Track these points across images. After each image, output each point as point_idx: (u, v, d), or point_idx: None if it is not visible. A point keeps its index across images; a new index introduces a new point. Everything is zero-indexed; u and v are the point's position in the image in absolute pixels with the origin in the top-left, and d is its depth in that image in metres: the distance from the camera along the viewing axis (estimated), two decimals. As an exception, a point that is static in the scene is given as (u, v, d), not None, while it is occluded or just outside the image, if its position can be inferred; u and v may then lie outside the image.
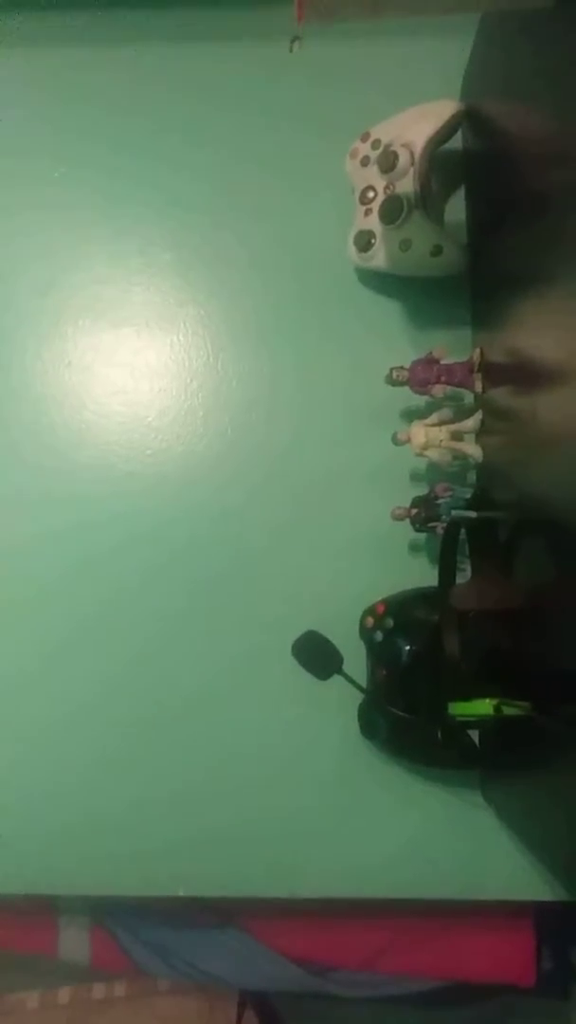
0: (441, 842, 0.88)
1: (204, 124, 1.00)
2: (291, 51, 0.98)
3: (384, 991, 1.15)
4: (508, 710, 0.66)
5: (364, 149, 0.90)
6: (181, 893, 0.91)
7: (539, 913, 1.10)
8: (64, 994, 1.28)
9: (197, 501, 0.95)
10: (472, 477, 0.90)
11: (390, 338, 0.93)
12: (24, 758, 0.93)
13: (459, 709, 0.70)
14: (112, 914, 1.17)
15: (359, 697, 0.84)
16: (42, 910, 1.18)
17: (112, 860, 0.92)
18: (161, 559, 0.94)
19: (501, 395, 0.80)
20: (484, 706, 0.67)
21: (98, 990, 1.28)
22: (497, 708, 0.66)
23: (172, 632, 0.93)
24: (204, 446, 0.96)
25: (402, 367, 0.85)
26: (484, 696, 0.67)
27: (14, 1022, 1.27)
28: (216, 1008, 1.25)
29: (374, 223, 0.88)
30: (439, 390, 0.85)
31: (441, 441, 0.84)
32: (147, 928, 1.16)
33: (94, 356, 0.98)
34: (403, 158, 0.84)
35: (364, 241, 0.90)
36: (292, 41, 0.98)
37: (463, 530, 0.79)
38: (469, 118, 0.87)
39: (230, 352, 0.97)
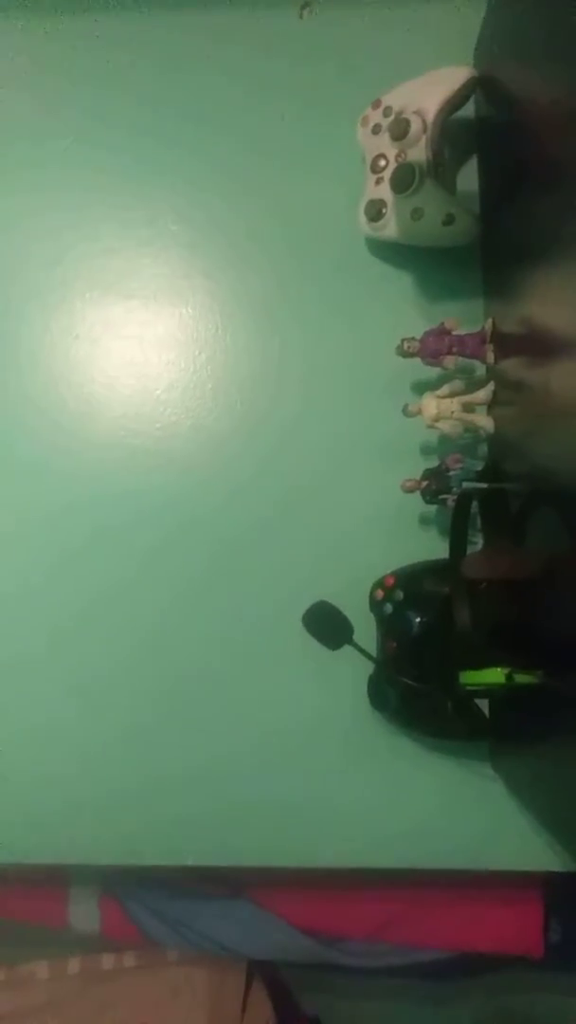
0: (450, 813, 0.88)
1: (213, 94, 0.98)
2: (301, 18, 0.96)
3: (392, 961, 1.17)
4: (520, 678, 0.66)
5: (375, 116, 0.88)
6: (190, 863, 0.92)
7: (548, 884, 1.11)
8: (74, 964, 1.30)
9: (206, 474, 0.94)
10: (483, 449, 0.90)
11: (401, 309, 0.92)
12: (34, 730, 0.94)
13: (470, 678, 0.71)
14: (122, 884, 1.18)
15: (369, 668, 0.84)
16: (52, 880, 1.19)
17: (122, 830, 0.92)
18: (170, 533, 0.94)
19: (513, 366, 0.79)
20: (495, 674, 0.67)
21: (108, 960, 1.30)
22: (508, 676, 0.66)
23: (183, 605, 0.93)
24: (213, 419, 0.95)
25: (413, 338, 0.85)
26: (495, 664, 0.67)
27: (25, 992, 1.29)
28: (225, 978, 1.26)
29: (385, 192, 0.87)
30: (451, 361, 0.84)
31: (452, 413, 0.84)
32: (157, 898, 1.18)
33: (102, 329, 0.98)
34: (415, 125, 0.83)
35: (375, 210, 0.89)
36: (302, 8, 0.97)
37: (474, 502, 0.79)
38: (482, 85, 0.85)
39: (239, 324, 0.96)
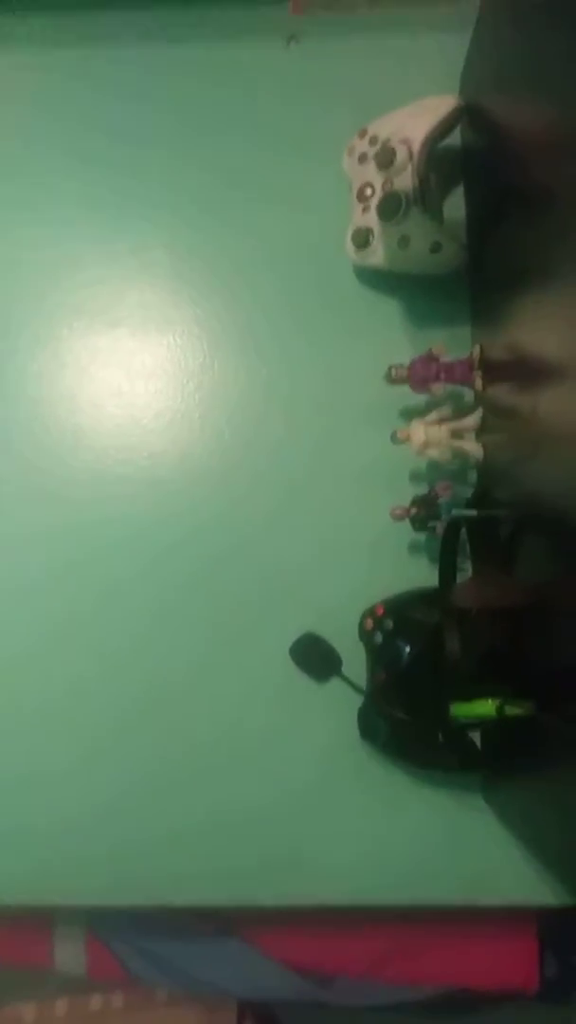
0: (443, 847, 0.87)
1: (198, 124, 0.99)
2: (287, 48, 0.97)
3: (386, 999, 1.14)
4: (510, 710, 0.64)
5: (362, 146, 0.89)
6: (177, 902, 0.90)
7: (543, 918, 1.09)
8: (61, 1005, 1.26)
9: (194, 503, 0.94)
10: (473, 476, 0.89)
11: (389, 336, 0.93)
12: (10, 768, 0.92)
13: (461, 710, 0.69)
14: (108, 924, 1.15)
15: (358, 699, 0.83)
16: (37, 921, 1.16)
17: (107, 871, 0.90)
18: (157, 561, 0.93)
19: (501, 392, 0.79)
20: (486, 706, 0.66)
21: (96, 1001, 1.27)
22: (499, 708, 0.65)
23: (168, 635, 0.92)
24: (201, 447, 0.94)
25: (401, 365, 0.84)
26: (486, 696, 0.66)
27: (11, 1034, 1.26)
28: (215, 1018, 1.23)
29: (372, 220, 0.87)
30: (439, 388, 0.84)
31: (441, 440, 0.83)
32: (144, 938, 1.15)
33: (89, 357, 0.97)
34: (401, 154, 0.83)
35: (362, 238, 0.89)
36: (288, 39, 0.98)
37: (463, 529, 0.78)
38: (468, 114, 0.86)
39: (227, 352, 0.96)
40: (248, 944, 1.12)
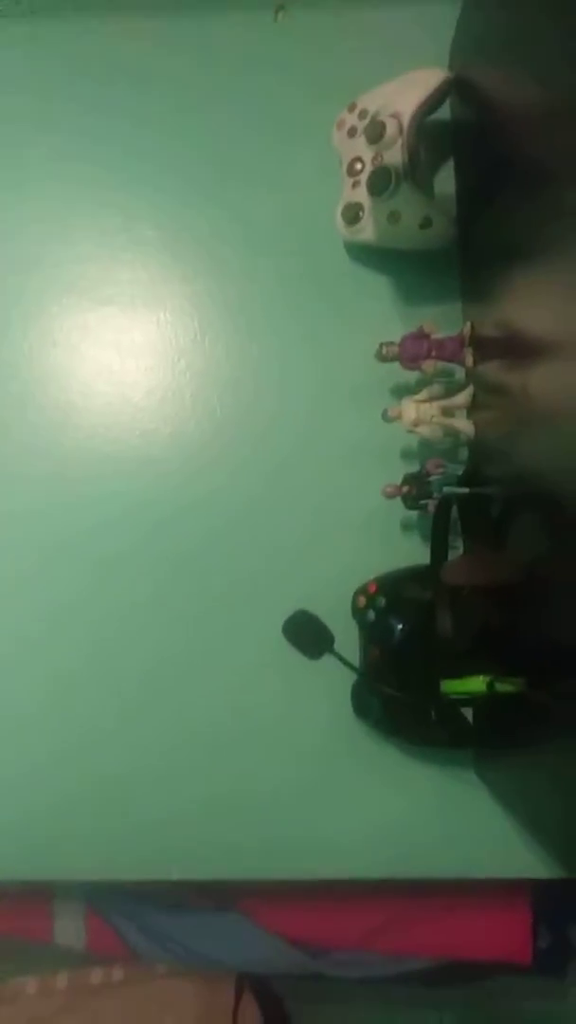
0: (436, 821, 0.87)
1: (188, 98, 0.97)
2: (276, 20, 0.96)
3: (381, 971, 1.15)
4: (501, 686, 0.65)
5: (351, 119, 0.88)
6: (175, 876, 0.91)
7: (536, 891, 1.10)
8: (62, 979, 1.28)
9: (185, 481, 0.93)
10: (464, 453, 0.89)
11: (379, 313, 0.92)
12: (9, 743, 0.92)
13: (452, 687, 0.70)
14: (107, 898, 1.17)
15: (352, 676, 0.84)
16: (36, 896, 1.18)
17: (105, 844, 0.91)
18: (149, 539, 0.93)
19: (492, 369, 0.78)
20: (477, 683, 0.66)
21: (96, 975, 1.28)
22: (490, 685, 0.65)
23: (160, 612, 0.92)
24: (192, 425, 0.94)
25: (392, 342, 0.84)
26: (477, 673, 0.67)
27: (13, 1008, 1.27)
28: (214, 991, 1.25)
29: (362, 195, 0.87)
30: (429, 365, 0.83)
31: (432, 417, 0.83)
32: (142, 912, 1.16)
33: (80, 335, 0.97)
34: (391, 128, 0.82)
35: (352, 214, 0.88)
36: (276, 11, 0.96)
37: (455, 507, 0.78)
38: (457, 87, 0.85)
39: (217, 330, 0.95)
40: (245, 918, 1.13)
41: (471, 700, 0.74)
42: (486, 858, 0.87)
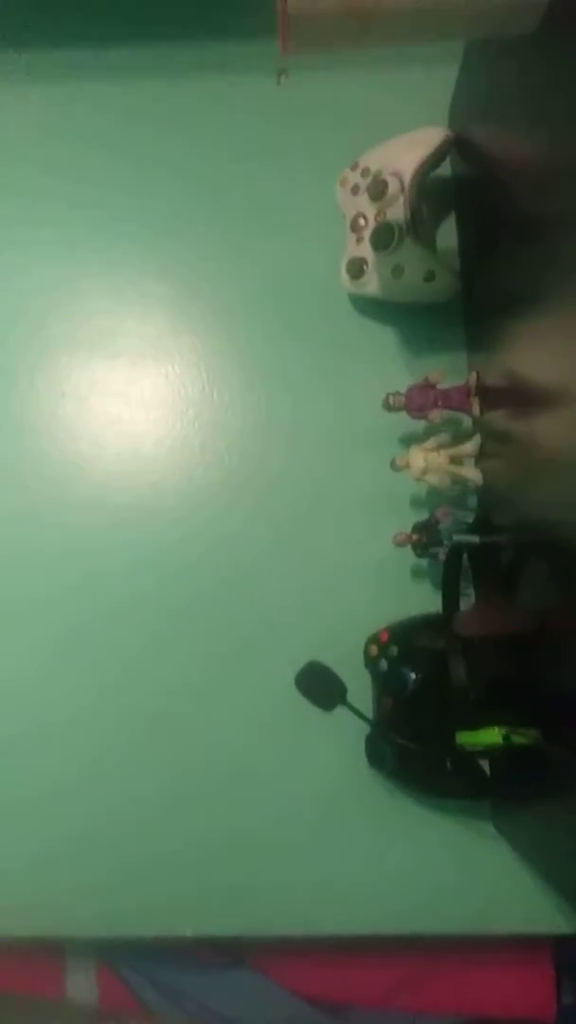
0: (454, 874, 0.86)
1: (193, 158, 1.00)
2: (278, 83, 0.99)
3: (400, 1029, 1.12)
4: (517, 739, 0.64)
5: (354, 177, 0.90)
6: (189, 934, 0.89)
7: (558, 946, 1.07)
8: (72, 1037, 1.25)
9: (195, 530, 0.94)
10: (473, 501, 0.89)
11: (385, 364, 0.93)
12: (31, 803, 0.91)
13: (467, 739, 0.69)
14: (120, 954, 1.15)
15: (365, 726, 0.83)
16: (49, 951, 1.16)
17: (119, 902, 0.90)
18: (159, 589, 0.93)
19: (499, 418, 0.79)
20: (492, 735, 0.66)
21: (107, 1033, 1.25)
22: (506, 737, 0.65)
23: (170, 663, 0.92)
24: (201, 475, 0.95)
25: (398, 392, 0.85)
26: (492, 724, 0.66)
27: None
28: (228, 1049, 1.21)
29: (366, 250, 0.88)
30: (436, 414, 0.84)
31: (440, 465, 0.83)
32: (156, 969, 1.14)
33: (89, 387, 0.98)
34: (393, 186, 0.84)
35: (356, 268, 0.90)
36: (279, 74, 0.99)
37: (465, 555, 0.78)
38: (457, 144, 0.87)
39: (226, 381, 0.96)
40: (260, 974, 1.11)
41: (487, 751, 0.73)
42: (506, 912, 0.86)
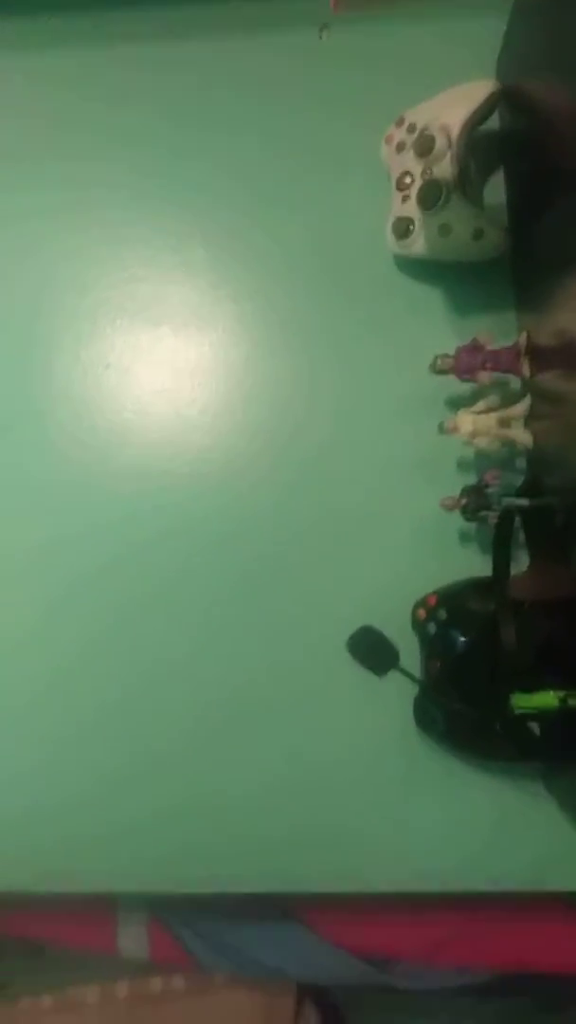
0: (504, 834, 0.87)
1: (236, 117, 0.99)
2: (320, 39, 0.97)
3: (445, 983, 1.15)
4: (573, 702, 0.64)
5: (399, 134, 0.88)
6: (237, 890, 0.91)
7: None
8: (123, 987, 1.29)
9: (241, 497, 0.94)
10: (521, 463, 0.88)
11: (433, 325, 0.92)
12: (78, 757, 0.94)
13: (521, 702, 0.69)
14: (170, 909, 1.18)
15: (413, 689, 0.83)
16: (101, 906, 1.19)
17: (169, 857, 0.92)
18: (207, 555, 0.94)
19: (549, 379, 0.78)
20: (548, 698, 0.66)
21: (156, 984, 1.29)
22: (563, 700, 0.65)
23: (221, 630, 0.93)
24: (246, 442, 0.95)
25: (447, 354, 0.84)
26: (547, 688, 0.66)
27: (75, 1016, 1.29)
28: (275, 1001, 1.25)
29: (412, 209, 0.87)
30: (485, 376, 0.83)
31: (489, 428, 0.83)
32: (205, 923, 1.17)
33: (132, 356, 0.98)
34: (440, 141, 0.82)
35: (403, 228, 0.88)
36: (321, 29, 0.97)
37: (517, 518, 0.78)
38: (506, 97, 0.85)
39: (270, 347, 0.96)
40: (308, 928, 1.13)
41: (540, 715, 0.73)
42: (554, 870, 0.87)
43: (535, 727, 0.78)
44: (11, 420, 0.99)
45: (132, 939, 1.21)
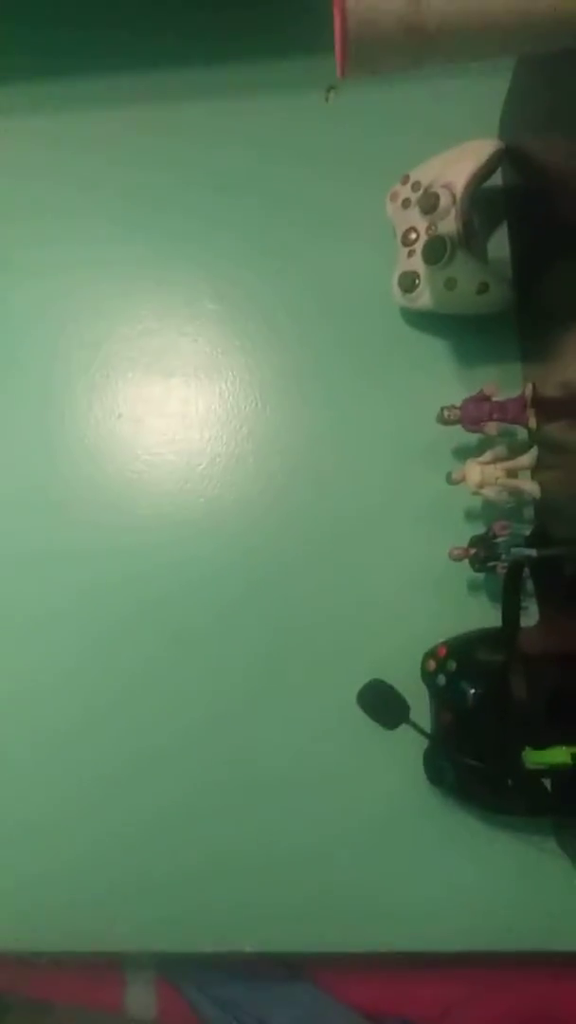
0: (516, 891, 0.85)
1: (244, 176, 1.01)
2: (327, 100, 0.99)
3: (460, 1045, 1.11)
4: (586, 758, 0.63)
5: (404, 191, 0.90)
6: (248, 949, 0.89)
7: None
8: (131, 1049, 1.26)
9: (252, 547, 0.95)
10: (529, 514, 0.88)
11: (439, 377, 0.93)
12: (86, 816, 0.93)
13: (533, 758, 0.68)
14: (179, 968, 1.15)
15: (424, 742, 0.82)
16: (108, 964, 1.17)
17: (179, 916, 0.91)
18: (218, 607, 0.94)
19: (556, 430, 0.78)
20: (561, 754, 0.65)
21: (165, 1044, 1.26)
22: (575, 757, 0.64)
23: (230, 681, 0.93)
24: (257, 492, 0.96)
25: (453, 406, 0.85)
26: (559, 743, 0.65)
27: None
28: (286, 1063, 1.21)
29: (418, 264, 0.88)
30: (492, 427, 0.84)
31: (497, 479, 0.83)
32: (214, 982, 1.14)
33: (144, 407, 1.00)
34: (444, 198, 0.84)
35: (409, 282, 0.90)
36: (327, 91, 1.00)
37: (526, 569, 0.78)
38: (508, 154, 0.87)
39: (279, 397, 0.97)
40: (320, 988, 1.10)
41: (552, 771, 0.72)
42: (566, 928, 0.85)
43: (547, 783, 0.77)
44: (26, 469, 1.00)
45: (139, 998, 1.18)
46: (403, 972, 1.07)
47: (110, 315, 1.02)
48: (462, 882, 0.86)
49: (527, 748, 0.69)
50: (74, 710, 0.95)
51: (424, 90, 0.98)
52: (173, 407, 0.99)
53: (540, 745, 0.68)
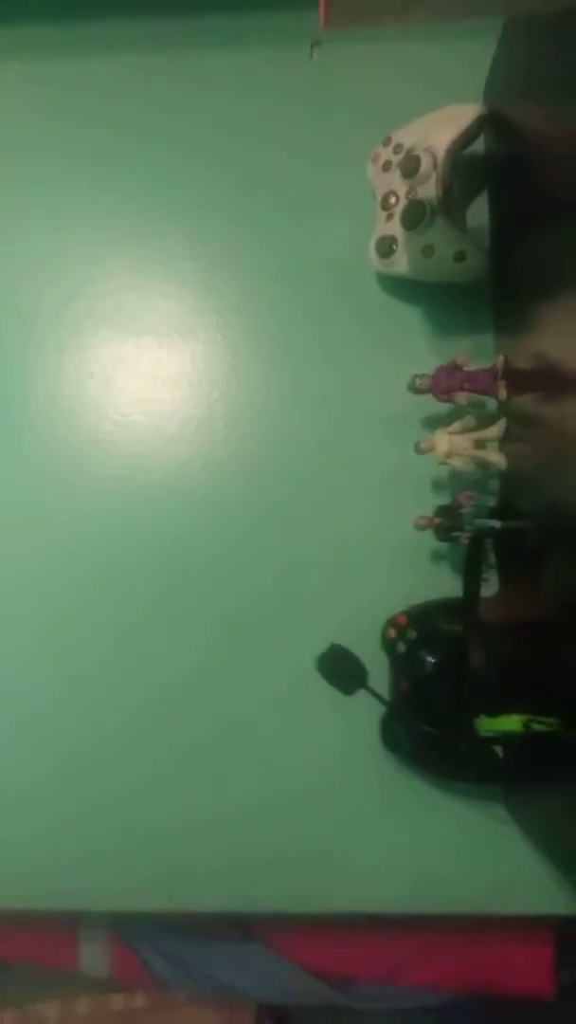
0: (464, 857, 0.87)
1: (222, 135, 0.99)
2: (311, 57, 0.97)
3: (404, 1004, 1.14)
4: (537, 727, 0.64)
5: (386, 154, 0.89)
6: (199, 908, 0.90)
7: (561, 927, 1.08)
8: (83, 1004, 1.27)
9: (219, 511, 0.94)
10: (495, 485, 0.89)
11: (412, 345, 0.92)
12: (47, 777, 0.93)
13: (487, 725, 0.69)
14: (132, 927, 1.16)
15: (380, 709, 0.83)
16: (62, 923, 1.18)
17: (132, 877, 0.91)
18: (183, 570, 0.93)
19: (526, 402, 0.78)
20: (513, 722, 0.66)
21: (117, 1001, 1.27)
22: (526, 725, 0.65)
23: (189, 643, 0.92)
24: (226, 455, 0.95)
25: (425, 374, 0.84)
26: (512, 712, 0.66)
27: (34, 1032, 1.27)
28: (234, 1020, 1.24)
29: (396, 228, 0.87)
30: (463, 397, 0.84)
31: (464, 449, 0.83)
32: (166, 941, 1.15)
33: (116, 366, 0.98)
34: (425, 162, 0.83)
35: (386, 247, 0.89)
36: (312, 47, 0.98)
37: (488, 540, 0.78)
38: (492, 121, 0.86)
39: (251, 360, 0.96)
40: (268, 948, 1.12)
41: (505, 738, 0.73)
42: (512, 894, 0.86)
43: (499, 750, 0.78)
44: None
45: (93, 956, 1.20)
46: (352, 933, 1.09)
47: (82, 271, 0.99)
48: (412, 846, 0.88)
49: (481, 715, 0.70)
50: (32, 678, 0.94)
51: (410, 53, 0.96)
52: (145, 367, 0.98)
53: (494, 713, 0.68)
